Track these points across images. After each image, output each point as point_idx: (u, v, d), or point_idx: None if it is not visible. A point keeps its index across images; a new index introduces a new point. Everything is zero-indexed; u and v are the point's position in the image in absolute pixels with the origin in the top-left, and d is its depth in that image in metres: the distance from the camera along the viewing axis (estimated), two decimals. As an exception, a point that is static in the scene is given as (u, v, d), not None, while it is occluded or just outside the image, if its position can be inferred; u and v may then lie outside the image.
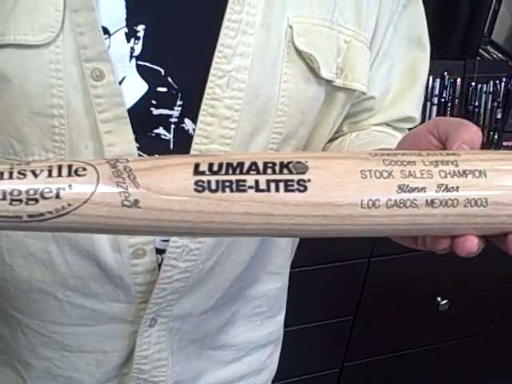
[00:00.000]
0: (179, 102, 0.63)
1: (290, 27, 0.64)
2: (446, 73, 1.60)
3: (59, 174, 0.43)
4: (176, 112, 0.64)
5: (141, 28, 0.61)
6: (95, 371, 0.77)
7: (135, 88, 0.62)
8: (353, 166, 0.46)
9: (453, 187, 0.46)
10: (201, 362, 0.83)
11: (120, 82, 0.61)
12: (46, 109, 0.60)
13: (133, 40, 0.61)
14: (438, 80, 1.60)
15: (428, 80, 1.59)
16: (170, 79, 0.62)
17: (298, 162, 0.45)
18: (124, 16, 0.60)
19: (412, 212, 0.45)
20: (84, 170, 0.43)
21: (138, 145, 0.63)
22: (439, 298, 1.76)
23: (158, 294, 0.69)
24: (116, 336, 0.74)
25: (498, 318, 1.91)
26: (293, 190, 0.44)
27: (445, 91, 1.61)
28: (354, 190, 0.45)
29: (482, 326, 1.90)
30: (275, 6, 0.63)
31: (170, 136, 0.64)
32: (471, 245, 0.47)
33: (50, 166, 0.43)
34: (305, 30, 0.65)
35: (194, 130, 0.64)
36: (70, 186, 0.42)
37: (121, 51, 0.61)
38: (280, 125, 0.67)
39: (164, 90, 0.63)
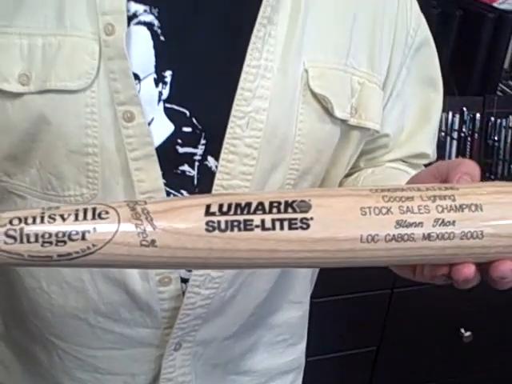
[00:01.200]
0: (203, 141, 0.69)
1: (306, 71, 0.69)
2: (465, 108, 1.65)
3: (85, 218, 0.48)
4: (200, 150, 0.69)
5: (168, 74, 0.67)
6: None
7: (162, 128, 0.67)
8: (353, 203, 0.50)
9: (449, 221, 0.49)
10: None
11: (149, 123, 0.66)
12: (82, 148, 0.66)
13: (161, 85, 0.67)
14: (457, 115, 1.64)
15: (447, 116, 1.63)
16: (194, 120, 0.68)
17: (302, 201, 0.49)
18: (153, 63, 0.66)
19: (410, 245, 0.49)
20: (106, 213, 0.48)
21: (164, 181, 0.68)
22: (463, 330, 1.77)
23: (182, 320, 0.74)
24: (143, 359, 0.79)
25: (523, 351, 1.91)
26: (296, 228, 0.48)
27: (464, 126, 1.65)
28: (354, 226, 0.49)
29: (506, 358, 1.90)
30: (292, 51, 0.68)
31: (194, 173, 0.70)
32: (468, 271, 0.51)
33: (77, 210, 0.48)
34: (320, 73, 0.70)
35: (216, 166, 0.69)
36: (94, 228, 0.48)
37: (150, 95, 0.66)
38: (296, 161, 0.72)
39: (189, 130, 0.68)
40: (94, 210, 0.48)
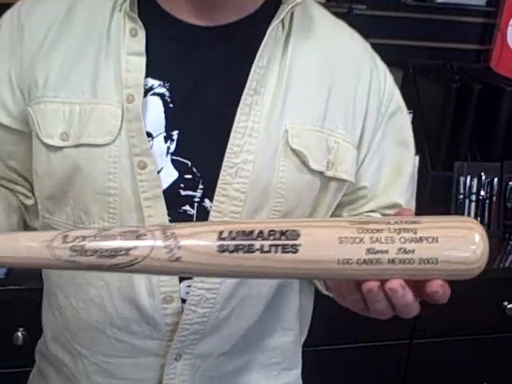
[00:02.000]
0: (201, 186, 0.84)
1: (287, 131, 0.85)
2: (483, 173, 1.78)
3: (129, 238, 0.66)
4: (198, 193, 0.85)
5: (175, 133, 0.84)
6: None
7: (169, 175, 0.84)
8: (333, 234, 0.64)
9: (410, 250, 0.63)
10: None
11: (158, 171, 0.83)
12: (105, 189, 0.83)
13: (169, 141, 0.84)
14: (475, 180, 1.78)
15: (466, 179, 1.77)
16: (194, 169, 0.84)
17: (293, 231, 0.65)
18: (163, 124, 0.83)
19: (377, 267, 0.64)
20: (145, 235, 0.65)
21: (169, 218, 0.83)
22: (486, 385, 1.84)
23: (181, 333, 0.87)
24: (150, 367, 0.91)
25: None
26: (288, 252, 0.64)
27: (482, 190, 1.78)
28: (333, 251, 0.63)
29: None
30: (275, 116, 0.84)
31: (193, 212, 0.86)
32: (435, 288, 0.64)
33: (124, 232, 0.66)
34: (298, 133, 0.85)
35: (211, 207, 0.85)
36: (135, 246, 0.65)
37: (160, 149, 0.83)
38: (279, 204, 0.87)
39: (190, 177, 0.84)
40: (136, 232, 0.66)
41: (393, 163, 0.97)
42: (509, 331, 1.87)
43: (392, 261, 0.63)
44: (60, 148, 0.84)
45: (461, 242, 0.63)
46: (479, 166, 1.81)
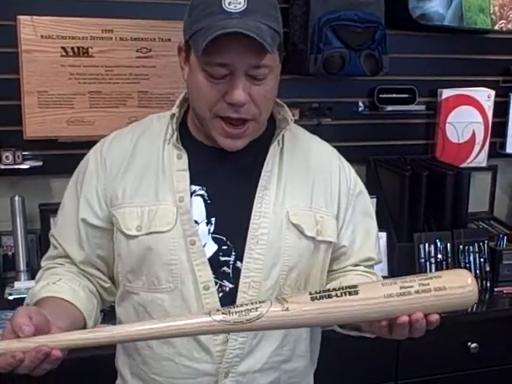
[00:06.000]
0: (233, 253, 1.18)
1: (287, 212, 1.21)
2: (438, 240, 2.23)
3: (255, 302, 1.00)
4: (232, 258, 1.18)
5: (213, 219, 1.19)
6: None
7: (211, 247, 1.18)
8: (383, 291, 1.00)
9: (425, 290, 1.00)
10: None
11: (204, 245, 1.17)
12: (169, 261, 1.16)
13: (209, 225, 1.19)
14: (432, 246, 2.21)
15: (425, 246, 2.21)
16: (228, 242, 1.18)
17: (354, 286, 1.02)
18: (205, 214, 1.19)
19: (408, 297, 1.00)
20: (264, 301, 1.00)
21: (214, 275, 1.16)
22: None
23: (228, 356, 1.17)
24: None
25: None
26: (351, 294, 1.01)
27: (439, 253, 2.21)
28: (382, 294, 1.00)
29: None
30: (279, 203, 1.20)
31: (229, 271, 1.17)
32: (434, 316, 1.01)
33: (251, 301, 1.02)
34: (295, 213, 1.21)
35: (241, 266, 1.17)
36: (259, 306, 0.99)
37: (203, 231, 1.18)
38: (286, 261, 1.19)
39: (225, 247, 1.18)
40: (258, 301, 1.03)
41: (363, 228, 1.33)
42: (472, 368, 2.17)
43: (417, 291, 0.98)
44: (136, 236, 1.19)
45: (457, 274, 1.02)
46: (434, 235, 2.24)
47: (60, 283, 1.21)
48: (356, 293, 0.98)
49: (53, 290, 1.18)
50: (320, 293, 0.99)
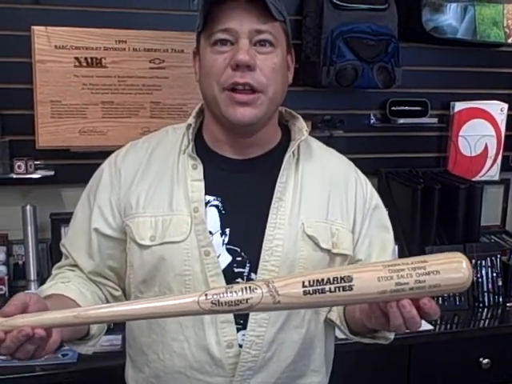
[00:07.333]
0: (248, 265, 1.16)
1: (303, 224, 1.19)
2: (450, 254, 2.20)
3: (247, 291, 0.94)
4: (246, 270, 1.16)
5: (227, 230, 1.17)
6: None
7: (225, 259, 1.16)
8: (374, 275, 0.94)
9: (422, 281, 0.93)
10: None
11: (218, 256, 1.15)
12: (182, 272, 1.14)
13: (223, 236, 1.17)
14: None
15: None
16: (242, 253, 1.17)
17: (348, 276, 0.95)
18: (219, 225, 1.18)
19: (402, 293, 0.94)
20: (256, 288, 0.94)
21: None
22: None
23: (240, 369, 1.16)
24: None
25: None
26: (346, 290, 0.94)
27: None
28: (374, 286, 0.95)
29: None
30: (294, 214, 1.19)
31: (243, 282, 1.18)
32: (425, 300, 0.96)
33: (244, 288, 0.94)
34: (310, 224, 1.20)
35: (256, 278, 1.15)
36: (251, 297, 0.93)
37: (218, 242, 1.17)
38: (301, 272, 1.22)
39: (239, 259, 1.17)
40: (250, 287, 0.95)
41: (379, 242, 1.32)
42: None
43: (411, 288, 0.95)
44: (149, 246, 1.18)
45: (455, 271, 0.95)
46: (446, 249, 2.18)
47: (68, 284, 1.22)
48: (350, 288, 0.95)
49: (60, 289, 1.19)
50: (313, 286, 0.96)
